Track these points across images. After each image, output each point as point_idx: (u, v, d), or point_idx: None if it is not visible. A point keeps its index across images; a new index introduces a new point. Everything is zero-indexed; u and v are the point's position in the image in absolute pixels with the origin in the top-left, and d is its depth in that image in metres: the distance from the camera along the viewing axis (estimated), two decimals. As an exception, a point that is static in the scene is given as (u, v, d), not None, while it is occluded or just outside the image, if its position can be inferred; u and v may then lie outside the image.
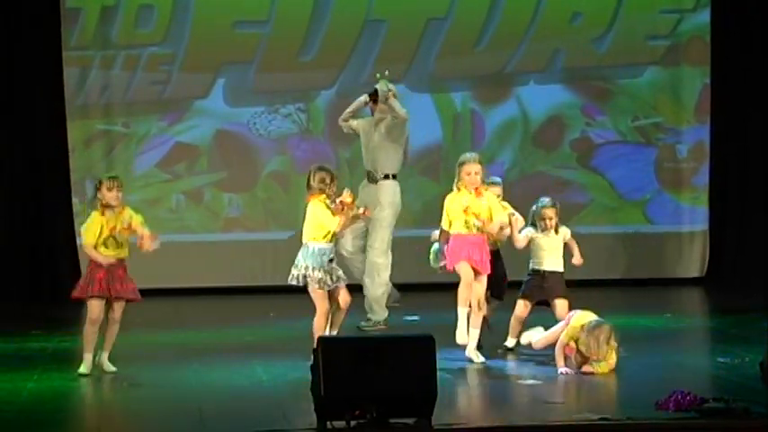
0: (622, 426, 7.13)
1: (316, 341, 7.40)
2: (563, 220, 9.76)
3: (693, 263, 14.06)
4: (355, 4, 13.73)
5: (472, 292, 9.13)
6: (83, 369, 8.80)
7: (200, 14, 13.55)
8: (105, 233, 8.82)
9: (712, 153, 13.97)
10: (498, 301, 9.87)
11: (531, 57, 13.82)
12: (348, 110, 11.01)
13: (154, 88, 13.58)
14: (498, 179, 10.02)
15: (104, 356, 8.90)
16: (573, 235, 9.64)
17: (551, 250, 9.58)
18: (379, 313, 10.85)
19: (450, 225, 9.24)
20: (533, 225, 9.61)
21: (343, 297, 9.13)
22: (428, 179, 13.60)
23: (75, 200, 13.20)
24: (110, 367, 8.88)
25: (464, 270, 9.14)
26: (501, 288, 9.84)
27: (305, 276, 9.05)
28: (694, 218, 14.07)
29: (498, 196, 9.78)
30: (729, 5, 13.82)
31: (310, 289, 9.08)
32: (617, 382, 8.54)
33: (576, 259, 9.60)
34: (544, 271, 9.58)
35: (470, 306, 9.14)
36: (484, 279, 9.23)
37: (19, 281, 13.14)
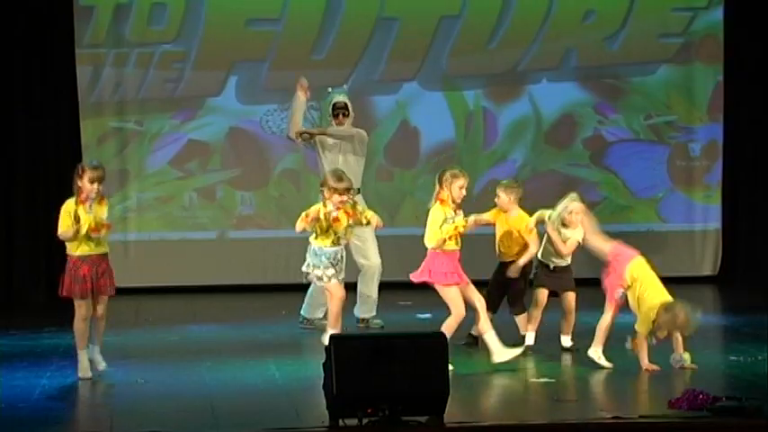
0: (635, 424, 7.13)
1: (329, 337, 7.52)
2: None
3: (706, 261, 14.04)
4: (368, 1, 13.72)
5: (470, 298, 9.13)
6: (82, 373, 8.69)
7: (212, 12, 13.56)
8: (85, 228, 8.62)
9: (725, 151, 13.94)
10: (521, 315, 9.84)
11: (544, 55, 13.80)
12: (297, 121, 10.90)
13: (167, 86, 13.59)
14: (511, 182, 10.04)
15: (96, 351, 8.79)
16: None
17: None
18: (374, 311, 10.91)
19: (434, 239, 9.16)
20: (563, 224, 9.58)
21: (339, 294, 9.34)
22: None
23: (88, 197, 13.20)
24: (101, 364, 8.77)
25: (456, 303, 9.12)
26: (521, 301, 9.84)
27: (307, 274, 9.33)
28: (707, 216, 14.04)
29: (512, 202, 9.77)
30: (742, 3, 13.79)
31: (322, 285, 9.33)
32: (630, 381, 8.53)
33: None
34: (555, 266, 9.61)
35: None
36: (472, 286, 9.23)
37: (33, 278, 13.16)
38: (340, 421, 6.99)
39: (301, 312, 10.90)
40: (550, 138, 13.91)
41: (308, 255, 9.39)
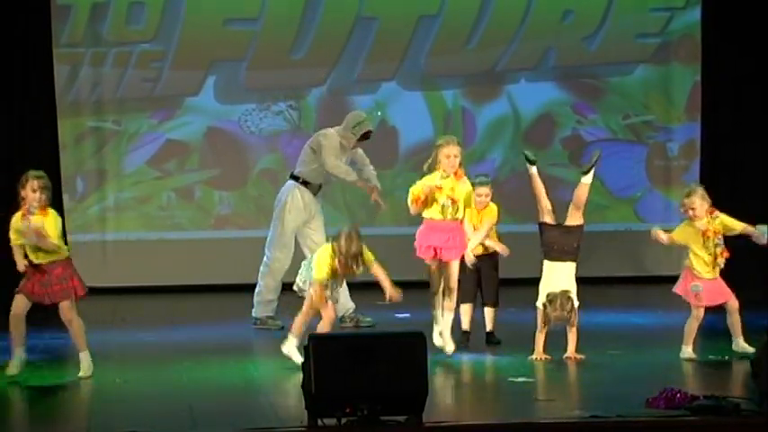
0: (613, 423, 7.14)
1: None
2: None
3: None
4: (346, 1, 13.72)
5: (443, 284, 9.15)
6: (10, 369, 8.60)
7: (191, 12, 13.53)
8: (20, 240, 8.46)
9: (703, 151, 13.98)
10: (494, 309, 9.83)
11: (522, 55, 13.82)
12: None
13: (145, 85, 13.56)
14: (486, 178, 10.00)
15: (82, 356, 8.70)
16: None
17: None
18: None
19: (422, 205, 9.12)
20: None
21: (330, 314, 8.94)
22: (419, 176, 13.53)
23: (65, 197, 13.17)
24: (85, 371, 8.67)
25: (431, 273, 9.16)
26: (495, 293, 9.81)
27: (305, 282, 8.87)
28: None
29: (487, 196, 9.77)
30: (720, 3, 13.83)
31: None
32: (608, 380, 8.54)
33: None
34: None
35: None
36: (454, 265, 9.16)
37: (9, 278, 13.08)
38: (319, 421, 6.98)
39: (252, 314, 10.88)
40: (529, 137, 13.93)
41: (305, 267, 8.90)
